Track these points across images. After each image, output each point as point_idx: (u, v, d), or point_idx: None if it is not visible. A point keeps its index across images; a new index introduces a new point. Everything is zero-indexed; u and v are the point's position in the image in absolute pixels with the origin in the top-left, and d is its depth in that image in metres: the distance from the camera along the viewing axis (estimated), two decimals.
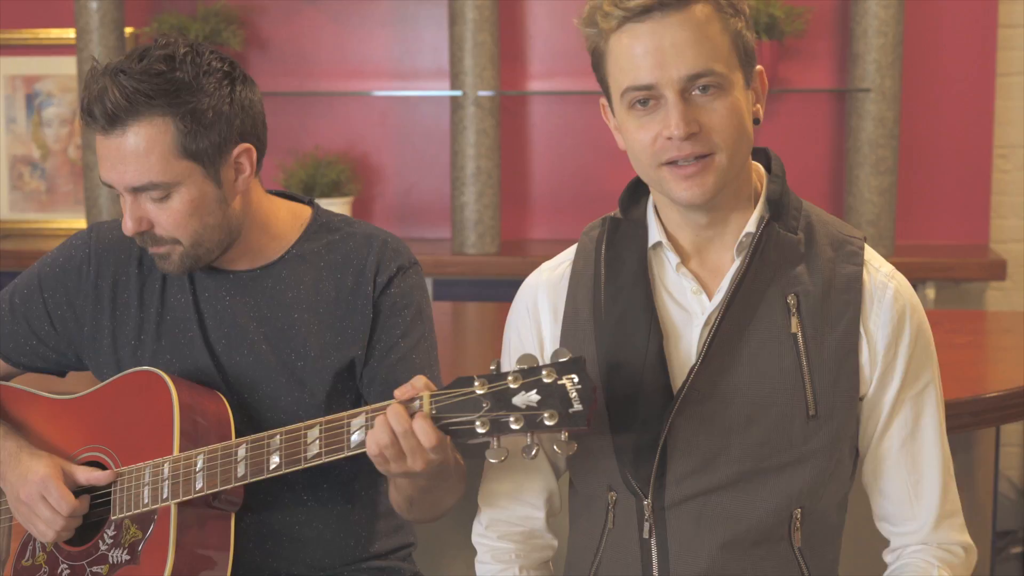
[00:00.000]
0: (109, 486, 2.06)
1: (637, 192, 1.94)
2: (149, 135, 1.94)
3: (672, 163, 1.77)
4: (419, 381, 1.80)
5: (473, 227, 4.70)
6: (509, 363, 1.97)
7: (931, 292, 4.52)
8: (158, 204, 1.98)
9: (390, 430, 1.79)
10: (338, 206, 4.73)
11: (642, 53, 1.75)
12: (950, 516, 1.90)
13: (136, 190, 1.97)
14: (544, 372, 1.68)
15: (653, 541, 1.84)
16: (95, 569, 2.05)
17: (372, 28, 5.00)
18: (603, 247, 1.90)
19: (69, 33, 5.00)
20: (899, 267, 1.96)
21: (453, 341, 3.38)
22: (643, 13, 1.74)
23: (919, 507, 1.88)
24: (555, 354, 1.70)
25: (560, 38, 4.90)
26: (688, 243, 1.87)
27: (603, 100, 1.88)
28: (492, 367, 1.72)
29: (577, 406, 1.67)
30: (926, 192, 4.83)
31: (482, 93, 4.62)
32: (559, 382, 1.67)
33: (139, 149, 1.94)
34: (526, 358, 1.71)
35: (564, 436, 1.68)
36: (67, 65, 5.04)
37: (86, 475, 2.06)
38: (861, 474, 1.92)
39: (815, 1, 4.72)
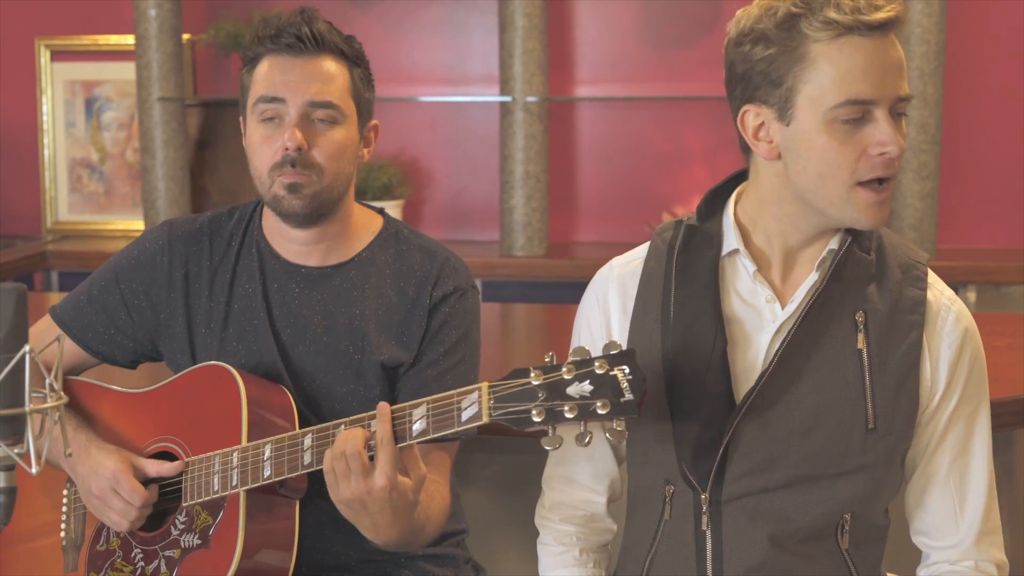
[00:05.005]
0: (179, 475, 2.14)
1: (714, 202, 1.96)
2: (337, 67, 2.17)
3: (870, 184, 1.78)
4: (384, 408, 1.90)
5: (521, 230, 4.76)
6: None
7: (972, 295, 4.54)
8: (324, 129, 2.15)
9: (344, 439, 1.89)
10: (389, 209, 4.72)
11: (866, 68, 1.75)
12: (990, 534, 1.94)
13: (313, 105, 2.13)
14: (597, 363, 1.74)
15: (709, 533, 1.89)
16: (168, 553, 2.12)
17: (423, 35, 5.06)
18: (676, 251, 1.94)
19: (128, 39, 5.10)
20: (941, 270, 2.01)
21: (502, 342, 3.41)
22: (874, 28, 1.75)
23: (963, 523, 1.92)
24: (607, 346, 1.76)
25: (607, 45, 4.95)
26: (773, 252, 1.90)
27: (751, 107, 1.85)
28: (547, 359, 1.78)
29: (628, 395, 1.72)
30: (968, 197, 4.85)
31: (531, 99, 4.68)
32: (611, 373, 1.73)
33: (329, 73, 2.15)
34: (579, 351, 1.77)
35: (616, 425, 1.74)
36: (125, 71, 5.13)
37: (156, 468, 2.14)
38: (906, 489, 1.97)
39: None
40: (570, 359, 1.77)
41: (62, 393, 1.47)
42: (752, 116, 1.85)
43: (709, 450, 1.86)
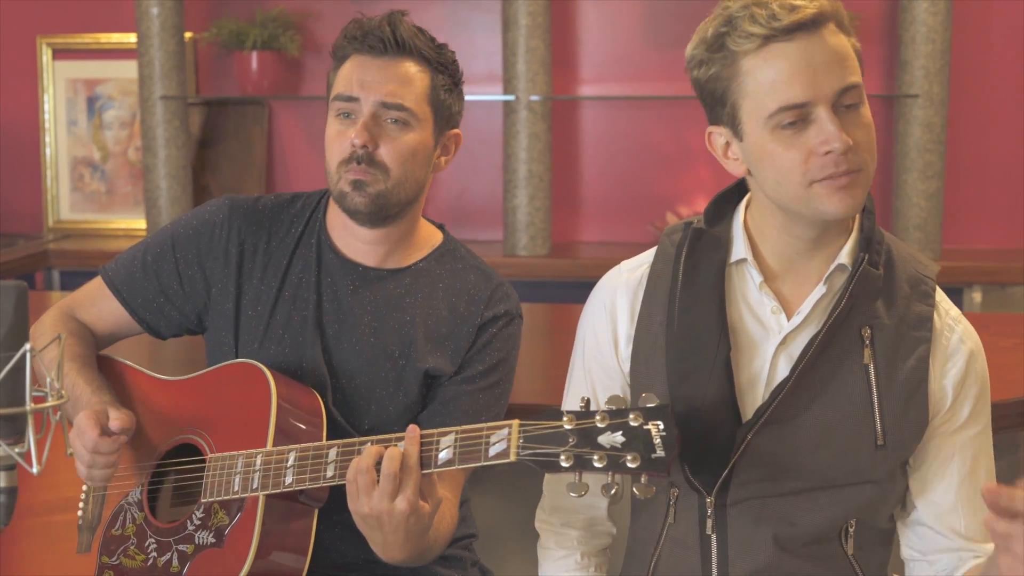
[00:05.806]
0: (202, 470, 2.12)
1: (722, 207, 1.95)
2: (416, 70, 2.17)
3: (826, 178, 1.76)
4: (414, 431, 1.88)
5: (525, 229, 4.75)
6: (581, 359, 2.02)
7: (977, 296, 4.54)
8: (395, 131, 2.15)
9: (376, 454, 1.87)
10: None
11: (793, 72, 1.74)
12: None
13: (385, 106, 2.14)
14: (631, 416, 1.71)
15: (714, 536, 1.88)
16: (181, 547, 2.10)
17: None
18: (683, 254, 1.92)
19: (130, 38, 5.09)
20: (945, 271, 1.99)
21: None
22: (793, 31, 1.75)
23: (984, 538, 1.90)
24: (643, 399, 1.73)
25: (611, 44, 4.94)
26: (778, 262, 1.89)
27: (714, 129, 1.87)
28: (580, 404, 1.76)
29: (660, 452, 1.69)
30: (973, 197, 4.85)
31: (534, 98, 4.67)
32: (645, 427, 1.70)
33: (405, 75, 2.16)
34: (615, 399, 1.73)
35: (643, 480, 1.71)
36: (127, 69, 5.12)
37: (114, 414, 2.10)
38: (912, 509, 1.94)
39: (864, 8, 4.75)
40: (605, 407, 1.74)
41: (63, 391, 1.46)
42: (716, 136, 1.88)
43: (715, 458, 1.85)
